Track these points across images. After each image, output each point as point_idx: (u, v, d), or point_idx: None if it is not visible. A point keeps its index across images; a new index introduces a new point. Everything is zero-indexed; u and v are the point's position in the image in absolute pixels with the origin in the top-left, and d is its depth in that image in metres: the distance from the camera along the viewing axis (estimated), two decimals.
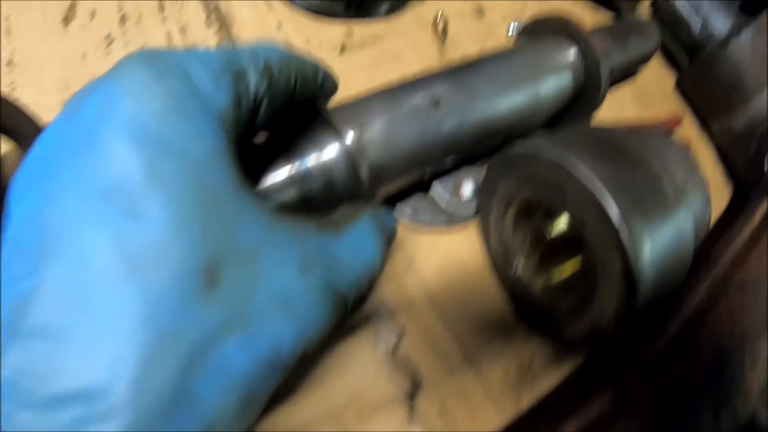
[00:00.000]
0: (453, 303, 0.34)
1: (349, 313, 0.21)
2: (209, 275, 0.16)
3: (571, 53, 0.38)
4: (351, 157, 0.28)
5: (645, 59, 0.48)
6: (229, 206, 0.17)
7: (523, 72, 0.35)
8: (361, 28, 0.42)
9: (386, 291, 0.34)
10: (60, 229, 0.15)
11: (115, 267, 0.15)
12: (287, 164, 0.27)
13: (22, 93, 0.36)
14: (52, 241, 0.15)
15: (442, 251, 0.36)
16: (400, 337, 0.32)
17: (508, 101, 0.34)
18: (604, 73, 0.37)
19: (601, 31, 0.43)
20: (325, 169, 0.28)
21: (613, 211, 0.25)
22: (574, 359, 0.34)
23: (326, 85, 0.27)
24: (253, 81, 0.20)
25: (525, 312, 0.35)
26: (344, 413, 0.30)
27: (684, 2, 0.50)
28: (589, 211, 0.26)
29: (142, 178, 0.16)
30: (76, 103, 0.18)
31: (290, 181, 0.27)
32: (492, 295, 0.35)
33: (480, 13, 0.47)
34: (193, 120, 0.17)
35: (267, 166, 0.26)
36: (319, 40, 0.40)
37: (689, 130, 0.52)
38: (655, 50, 0.48)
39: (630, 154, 0.28)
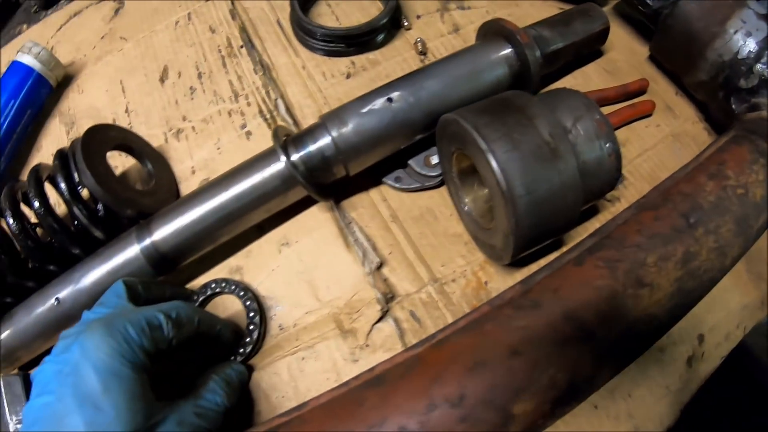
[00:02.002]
0: (425, 239, 0.47)
1: None
2: None
3: (505, 48, 0.49)
4: (335, 141, 0.43)
5: (596, 38, 0.56)
6: (141, 408, 0.31)
7: (461, 68, 0.48)
8: (362, 59, 0.57)
9: (376, 234, 0.47)
10: (62, 413, 0.30)
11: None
12: None
13: (137, 130, 0.55)
14: (58, 419, 0.30)
15: (419, 206, 0.49)
16: (382, 262, 0.46)
17: (449, 91, 0.47)
18: (532, 60, 0.48)
19: (543, 22, 0.54)
20: (321, 149, 0.44)
21: (481, 142, 0.37)
22: (519, 277, 0.45)
23: (222, 333, 0.42)
24: (166, 330, 0.35)
25: (476, 239, 0.46)
26: (340, 314, 0.44)
27: None
28: (474, 147, 0.38)
29: (101, 391, 0.30)
30: (64, 349, 0.32)
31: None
32: (455, 232, 0.47)
33: (456, 29, 0.60)
34: (124, 364, 0.31)
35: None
36: (331, 72, 0.56)
37: (665, 93, 0.58)
38: (603, 29, 0.55)
39: (513, 107, 0.40)
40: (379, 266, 0.45)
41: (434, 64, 0.49)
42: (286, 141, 0.46)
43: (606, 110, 0.56)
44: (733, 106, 0.54)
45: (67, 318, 0.45)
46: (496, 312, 0.36)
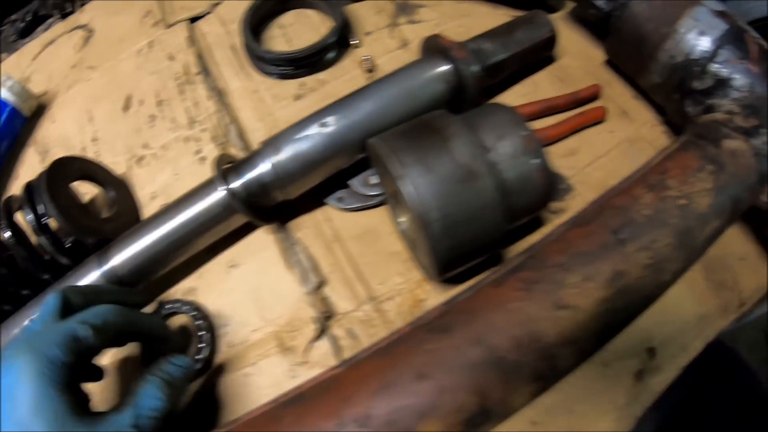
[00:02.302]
0: (365, 258, 0.49)
1: None
2: None
3: (442, 64, 0.50)
4: (272, 168, 0.45)
5: (543, 46, 0.56)
6: (71, 429, 0.32)
7: (397, 87, 0.49)
8: (311, 80, 0.58)
9: (319, 254, 0.49)
10: None
11: None
12: None
13: (103, 157, 0.58)
14: None
15: (360, 225, 0.50)
16: (322, 281, 0.48)
17: (384, 112, 0.48)
18: (469, 75, 0.49)
19: (485, 34, 0.54)
20: (259, 176, 0.46)
21: (394, 167, 0.38)
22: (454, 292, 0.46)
23: (165, 333, 0.43)
24: (88, 339, 0.35)
25: (413, 257, 0.47)
26: (281, 332, 0.46)
27: None
28: (391, 171, 0.39)
29: (30, 416, 0.31)
30: (12, 370, 0.33)
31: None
32: (395, 250, 0.49)
33: (405, 44, 0.61)
34: (50, 385, 0.32)
35: None
36: (281, 95, 0.58)
37: (621, 98, 0.58)
38: (549, 36, 0.55)
39: (432, 129, 0.40)
40: (319, 286, 0.47)
41: (371, 84, 0.50)
42: (228, 169, 0.48)
43: (554, 119, 0.56)
44: (688, 109, 0.53)
45: None
46: (410, 334, 0.38)
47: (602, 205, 0.44)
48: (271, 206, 0.49)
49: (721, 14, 0.51)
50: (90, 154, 0.59)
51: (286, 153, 0.46)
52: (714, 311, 0.47)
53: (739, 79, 0.50)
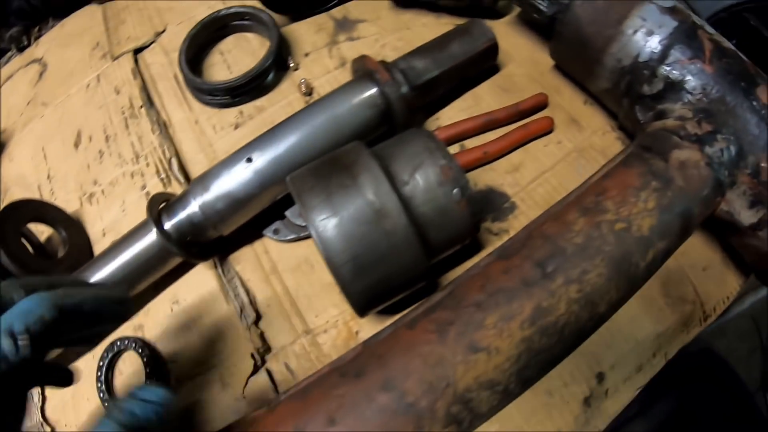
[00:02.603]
0: (301, 290, 0.49)
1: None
2: None
3: (369, 87, 0.49)
4: (201, 208, 0.46)
5: (482, 56, 0.54)
6: None
7: (324, 116, 0.48)
8: (250, 107, 0.58)
9: (256, 288, 0.50)
10: None
11: None
12: None
13: (57, 195, 0.59)
14: None
15: (297, 256, 0.51)
16: (259, 315, 0.48)
17: (311, 142, 0.48)
18: (396, 98, 0.48)
19: (416, 51, 0.53)
20: (189, 216, 0.47)
21: (301, 209, 0.38)
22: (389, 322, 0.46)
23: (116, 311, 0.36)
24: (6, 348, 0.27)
25: None
26: (221, 368, 0.47)
27: None
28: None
29: None
30: None
31: None
32: (330, 281, 0.49)
33: (343, 63, 0.60)
34: None
35: None
36: (221, 124, 0.58)
37: (571, 104, 0.56)
38: (488, 46, 0.53)
39: (341, 165, 0.40)
40: (256, 320, 0.48)
41: (298, 113, 0.50)
42: (163, 209, 0.49)
43: (495, 134, 0.55)
44: (639, 116, 0.50)
45: None
46: (326, 376, 0.38)
47: (530, 233, 0.42)
48: (209, 242, 0.50)
49: (671, 11, 0.49)
50: (46, 192, 0.60)
51: (213, 192, 0.47)
52: (674, 327, 0.46)
53: (692, 81, 0.47)
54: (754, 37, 0.72)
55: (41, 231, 0.57)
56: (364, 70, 0.51)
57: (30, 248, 0.55)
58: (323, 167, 0.41)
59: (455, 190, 0.40)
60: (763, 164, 0.45)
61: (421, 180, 0.40)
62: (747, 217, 0.46)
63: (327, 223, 0.38)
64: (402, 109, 0.49)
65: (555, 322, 0.37)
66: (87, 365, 0.49)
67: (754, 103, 0.46)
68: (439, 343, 0.36)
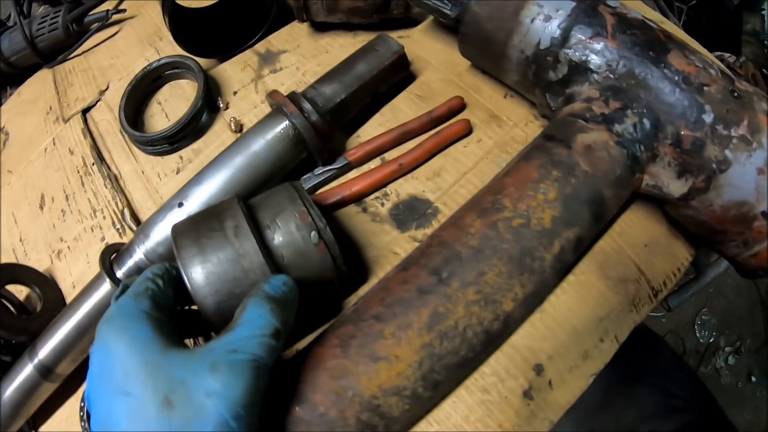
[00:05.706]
0: None
1: (279, 351, 0.35)
2: (167, 402, 0.30)
3: (280, 120, 0.52)
4: (146, 255, 0.51)
5: (392, 69, 0.57)
6: (165, 365, 0.31)
7: (242, 154, 0.52)
8: (188, 151, 0.63)
9: None
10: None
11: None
12: None
13: (30, 255, 0.65)
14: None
15: None
16: None
17: (236, 181, 0.52)
18: (304, 128, 0.52)
19: (323, 77, 0.56)
20: (137, 263, 0.52)
21: (177, 248, 0.41)
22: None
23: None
24: (157, 286, 0.37)
25: None
26: None
27: None
28: None
29: (122, 377, 0.31)
30: (100, 346, 0.33)
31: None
32: None
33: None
34: (137, 334, 0.33)
35: None
36: (164, 171, 0.62)
37: (491, 100, 0.57)
38: (396, 58, 0.56)
39: (215, 212, 0.43)
40: None
41: (221, 154, 0.54)
42: (113, 260, 0.53)
43: (413, 143, 0.57)
44: (551, 103, 0.51)
45: None
46: None
47: (430, 241, 0.44)
48: None
49: None
50: (20, 254, 0.66)
51: (153, 239, 0.51)
52: (619, 309, 0.46)
53: (595, 60, 0.47)
54: None
55: (20, 290, 0.63)
56: (274, 104, 0.54)
57: (12, 308, 0.60)
58: (199, 215, 0.45)
59: (312, 233, 0.43)
60: (683, 132, 0.44)
61: (281, 224, 0.43)
62: (677, 188, 0.45)
63: (194, 260, 0.40)
64: (313, 137, 0.52)
65: (454, 325, 0.39)
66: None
67: (666, 71, 0.44)
68: (343, 357, 0.39)
